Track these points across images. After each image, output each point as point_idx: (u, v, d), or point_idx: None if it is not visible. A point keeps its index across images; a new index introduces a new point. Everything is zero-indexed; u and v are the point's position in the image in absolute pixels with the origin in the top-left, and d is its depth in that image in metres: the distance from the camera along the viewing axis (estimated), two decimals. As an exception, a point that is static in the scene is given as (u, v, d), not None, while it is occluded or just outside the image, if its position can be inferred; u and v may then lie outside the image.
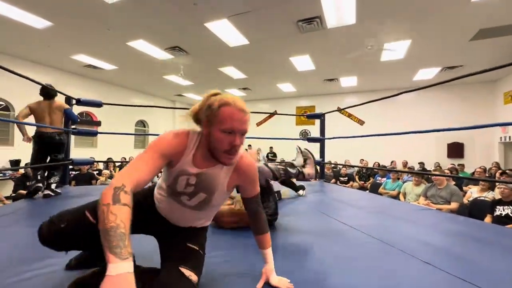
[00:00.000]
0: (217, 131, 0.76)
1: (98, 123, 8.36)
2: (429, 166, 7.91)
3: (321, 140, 4.09)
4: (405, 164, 8.31)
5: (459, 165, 6.60)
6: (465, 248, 1.33)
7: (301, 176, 1.61)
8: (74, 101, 3.03)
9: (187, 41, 5.24)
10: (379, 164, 7.72)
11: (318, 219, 1.83)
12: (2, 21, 4.36)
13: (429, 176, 4.57)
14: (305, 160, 1.65)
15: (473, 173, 5.10)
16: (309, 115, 4.01)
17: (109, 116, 8.50)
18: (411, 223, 1.80)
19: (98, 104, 3.17)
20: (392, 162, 8.35)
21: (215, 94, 0.81)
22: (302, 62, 6.36)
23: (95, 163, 6.04)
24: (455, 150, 8.31)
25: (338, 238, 1.47)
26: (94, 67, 6.93)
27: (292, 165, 1.65)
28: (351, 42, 5.09)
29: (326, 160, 7.71)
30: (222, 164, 0.83)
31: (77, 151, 7.70)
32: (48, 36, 4.96)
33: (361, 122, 9.40)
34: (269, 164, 1.62)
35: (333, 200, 2.40)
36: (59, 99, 2.88)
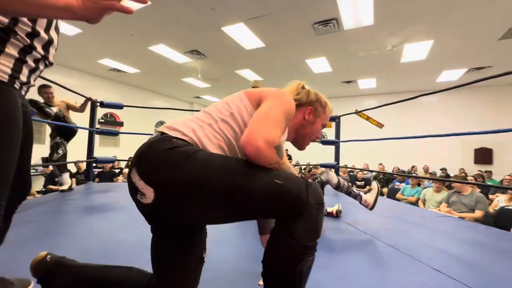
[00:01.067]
0: (319, 123, 0.90)
1: (121, 124, 8.78)
2: (454, 172, 7.50)
3: (335, 143, 4.04)
4: (426, 169, 7.97)
5: (486, 171, 6.21)
6: (481, 257, 1.27)
7: (358, 198, 1.71)
8: (98, 104, 3.22)
9: (205, 44, 5.38)
10: (398, 169, 7.45)
11: (329, 222, 1.82)
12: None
13: (451, 183, 4.35)
14: (370, 190, 1.76)
15: (502, 180, 4.78)
16: (324, 118, 3.96)
17: (131, 117, 8.90)
18: (427, 229, 1.75)
19: (120, 106, 3.35)
20: (412, 167, 8.02)
21: (304, 86, 0.90)
22: (319, 64, 6.31)
23: (117, 162, 6.35)
24: (483, 155, 7.82)
25: (347, 242, 1.46)
26: (118, 70, 7.30)
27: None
28: (369, 44, 4.98)
29: (343, 164, 7.58)
30: (298, 148, 0.92)
31: (101, 150, 8.13)
32: (78, 42, 5.31)
33: (380, 125, 9.07)
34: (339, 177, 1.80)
35: (346, 204, 2.35)
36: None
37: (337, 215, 1.97)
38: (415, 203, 4.15)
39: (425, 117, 8.51)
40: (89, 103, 3.12)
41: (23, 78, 0.58)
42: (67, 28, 4.67)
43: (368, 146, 8.71)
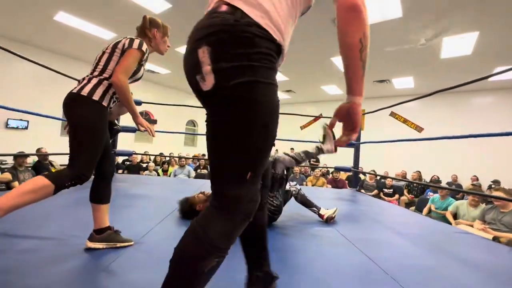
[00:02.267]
0: None
1: (155, 121, 9.40)
2: (509, 185, 6.45)
3: (354, 145, 3.76)
4: (475, 180, 6.99)
5: (549, 186, 5.20)
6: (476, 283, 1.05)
7: (321, 152, 1.67)
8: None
9: (227, 45, 5.48)
10: (437, 178, 6.66)
11: (332, 244, 1.43)
12: (81, 34, 5.33)
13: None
14: (324, 137, 1.74)
15: None
16: (340, 118, 3.71)
17: (164, 115, 9.50)
18: (431, 246, 1.49)
19: (138, 103, 3.57)
20: (452, 176, 7.13)
21: None
22: (346, 62, 5.95)
23: (145, 156, 6.81)
24: (549, 168, 6.57)
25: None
26: (152, 71, 7.84)
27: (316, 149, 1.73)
28: (398, 38, 4.54)
29: (371, 169, 7.04)
30: None
31: (136, 145, 8.82)
32: (114, 45, 5.84)
33: (419, 129, 8.18)
34: (289, 153, 1.71)
35: (363, 217, 2.08)
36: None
37: (326, 221, 1.82)
38: (445, 216, 3.65)
39: (475, 120, 7.45)
40: None
41: (111, 105, 1.15)
42: (102, 32, 5.17)
43: (406, 151, 7.98)
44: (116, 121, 3.28)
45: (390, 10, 3.74)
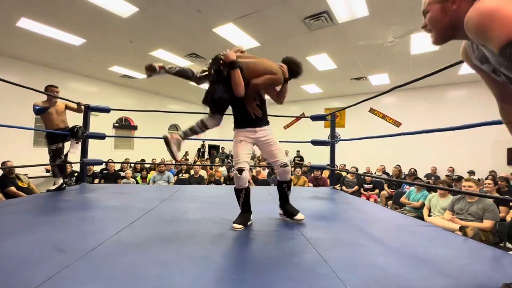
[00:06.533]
0: None
1: (135, 127, 9.19)
2: (483, 175, 6.71)
3: (329, 144, 3.79)
4: (451, 170, 7.25)
5: (518, 174, 5.45)
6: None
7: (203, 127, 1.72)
8: (88, 107, 3.34)
9: (201, 47, 5.42)
10: (415, 171, 6.85)
11: (288, 240, 1.46)
12: (48, 41, 5.11)
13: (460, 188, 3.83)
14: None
15: None
16: (313, 117, 3.74)
17: (145, 121, 9.30)
18: (386, 240, 1.50)
19: (107, 110, 3.45)
20: (431, 168, 7.35)
21: None
22: (321, 61, 6.03)
23: (128, 165, 6.62)
24: (518, 156, 6.90)
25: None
26: (129, 76, 7.65)
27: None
28: (368, 36, 4.62)
29: (352, 165, 7.13)
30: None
31: (117, 152, 8.58)
32: (85, 51, 5.65)
33: (397, 124, 8.48)
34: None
35: (331, 216, 2.08)
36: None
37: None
38: (420, 209, 3.74)
39: (451, 114, 7.69)
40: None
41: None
42: (71, 38, 4.99)
43: (383, 147, 8.16)
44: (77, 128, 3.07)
45: (356, 9, 3.80)
